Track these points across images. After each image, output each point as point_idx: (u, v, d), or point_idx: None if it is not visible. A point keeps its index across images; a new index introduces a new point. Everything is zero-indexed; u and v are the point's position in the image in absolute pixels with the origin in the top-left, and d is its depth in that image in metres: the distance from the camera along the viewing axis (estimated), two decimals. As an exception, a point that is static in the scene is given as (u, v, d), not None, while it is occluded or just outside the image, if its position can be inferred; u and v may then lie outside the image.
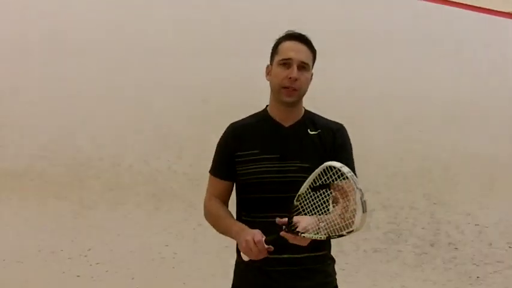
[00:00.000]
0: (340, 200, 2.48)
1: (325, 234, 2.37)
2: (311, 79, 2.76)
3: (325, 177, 2.37)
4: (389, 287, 4.82)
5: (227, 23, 5.09)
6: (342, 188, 2.44)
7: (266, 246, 2.47)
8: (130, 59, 5.25)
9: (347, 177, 2.30)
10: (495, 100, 4.75)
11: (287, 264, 2.59)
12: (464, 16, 4.81)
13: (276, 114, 2.75)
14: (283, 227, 2.43)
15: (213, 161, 2.83)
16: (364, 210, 2.27)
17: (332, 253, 4.63)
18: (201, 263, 5.02)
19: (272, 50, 2.75)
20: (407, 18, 4.89)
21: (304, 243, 2.45)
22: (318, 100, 4.72)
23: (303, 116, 2.78)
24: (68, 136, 5.32)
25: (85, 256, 5.29)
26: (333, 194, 2.43)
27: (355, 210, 2.32)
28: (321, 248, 2.68)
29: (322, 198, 2.41)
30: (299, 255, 2.59)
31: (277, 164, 2.67)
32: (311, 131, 2.75)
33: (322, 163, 2.59)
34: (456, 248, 4.77)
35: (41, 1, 5.51)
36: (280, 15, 4.88)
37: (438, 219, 4.76)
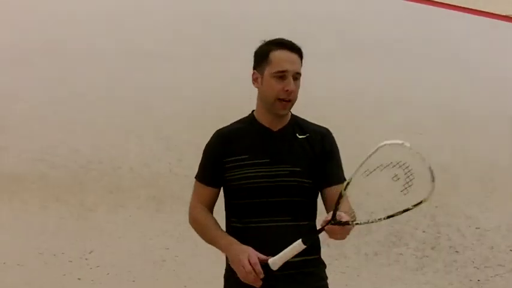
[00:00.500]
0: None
1: (384, 215, 2.42)
2: None
3: (378, 158, 2.43)
4: (390, 290, 4.83)
5: (228, 27, 5.09)
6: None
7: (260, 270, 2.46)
8: (131, 62, 5.25)
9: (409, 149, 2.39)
10: (496, 103, 4.75)
11: (282, 269, 2.56)
12: (465, 19, 4.82)
13: (264, 119, 2.74)
14: (331, 221, 2.44)
15: (199, 167, 2.81)
16: (433, 179, 2.33)
17: (333, 256, 4.64)
18: (202, 266, 5.02)
19: (260, 56, 2.70)
20: (406, 21, 4.90)
21: (346, 235, 2.49)
22: (317, 103, 4.75)
23: (290, 120, 2.77)
24: (68, 139, 5.32)
25: (86, 259, 5.29)
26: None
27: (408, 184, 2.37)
28: (312, 252, 2.68)
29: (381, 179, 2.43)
30: (292, 260, 2.59)
31: (267, 168, 2.66)
32: (299, 135, 2.76)
33: (313, 167, 2.68)
34: (457, 252, 4.77)
35: (41, 5, 5.51)
36: (280, 20, 4.89)
37: (439, 223, 4.76)
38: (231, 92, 4.98)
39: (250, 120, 2.77)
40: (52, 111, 5.36)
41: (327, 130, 2.85)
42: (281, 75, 2.62)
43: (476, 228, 4.74)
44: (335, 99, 4.90)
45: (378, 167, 2.49)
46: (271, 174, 2.66)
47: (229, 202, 2.75)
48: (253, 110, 2.81)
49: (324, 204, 2.82)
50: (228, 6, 5.20)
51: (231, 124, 2.82)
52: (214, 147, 2.74)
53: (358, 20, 4.96)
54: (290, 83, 2.62)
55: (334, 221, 2.46)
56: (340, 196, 2.51)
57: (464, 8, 4.79)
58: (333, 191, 2.76)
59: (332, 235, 2.50)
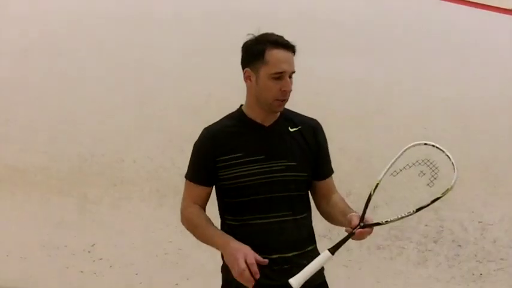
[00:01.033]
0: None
1: (413, 209, 2.50)
2: None
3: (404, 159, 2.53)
4: (393, 283, 4.82)
5: (230, 20, 5.07)
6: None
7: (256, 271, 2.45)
8: (134, 54, 5.25)
9: (433, 146, 2.54)
10: (500, 98, 4.74)
11: (278, 263, 2.60)
12: (470, 13, 4.80)
13: (255, 115, 2.72)
14: (361, 224, 2.48)
15: (190, 166, 2.79)
16: (455, 170, 2.47)
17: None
18: (205, 259, 5.02)
19: (253, 55, 2.66)
20: (411, 14, 4.88)
21: (369, 234, 2.54)
22: (321, 97, 4.75)
23: (280, 114, 2.76)
24: (71, 132, 5.32)
25: (89, 252, 5.30)
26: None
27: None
28: (307, 245, 2.70)
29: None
30: (288, 254, 2.60)
31: (262, 165, 2.65)
32: (291, 128, 2.76)
33: (307, 160, 2.71)
34: (460, 246, 4.77)
35: (43, -2, 5.51)
36: (284, 12, 4.87)
37: (442, 217, 4.76)
38: (234, 85, 4.96)
39: (240, 117, 2.75)
40: (54, 103, 5.36)
41: (317, 122, 2.85)
42: (279, 76, 2.61)
43: (479, 222, 4.74)
44: (339, 93, 4.89)
45: (404, 167, 2.57)
46: (267, 170, 2.65)
47: (224, 200, 2.74)
48: (241, 105, 2.80)
49: (313, 196, 2.84)
50: (231, 1, 5.18)
51: (219, 121, 2.79)
52: (206, 146, 2.71)
53: (362, 13, 4.94)
54: (287, 84, 2.62)
55: (363, 223, 2.49)
56: (370, 198, 2.55)
57: (471, 2, 4.78)
58: (326, 184, 2.82)
59: (360, 237, 2.54)
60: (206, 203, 2.77)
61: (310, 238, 2.76)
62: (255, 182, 2.64)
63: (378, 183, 2.57)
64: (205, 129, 2.78)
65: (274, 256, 2.62)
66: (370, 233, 2.54)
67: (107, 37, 5.29)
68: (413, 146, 2.57)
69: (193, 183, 2.76)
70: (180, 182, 5.05)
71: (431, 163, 2.55)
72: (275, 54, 2.60)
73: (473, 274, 4.74)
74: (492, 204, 4.72)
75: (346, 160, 4.63)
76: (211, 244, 2.65)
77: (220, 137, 2.70)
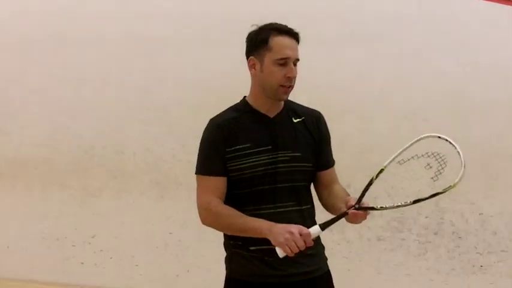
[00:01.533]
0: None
1: (410, 200, 2.48)
2: None
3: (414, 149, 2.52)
4: (393, 275, 4.83)
5: (231, 12, 5.06)
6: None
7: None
8: (134, 48, 5.24)
9: (446, 140, 2.54)
10: (501, 90, 4.72)
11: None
12: (469, 5, 4.78)
13: (260, 106, 2.72)
14: (355, 206, 2.50)
15: (202, 160, 2.73)
16: (462, 167, 2.44)
17: (335, 241, 4.66)
18: (205, 251, 5.03)
19: (257, 42, 2.65)
20: (411, 6, 4.86)
21: (363, 219, 2.54)
22: (321, 90, 4.74)
23: (284, 105, 2.76)
24: (71, 124, 5.32)
25: (89, 243, 5.31)
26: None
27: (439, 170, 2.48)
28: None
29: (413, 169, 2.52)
30: None
31: (269, 155, 2.65)
32: (295, 119, 2.76)
33: (311, 150, 2.72)
34: (460, 237, 4.77)
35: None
36: (284, 4, 4.85)
37: (442, 208, 4.76)
38: (233, 78, 4.96)
39: (245, 108, 2.74)
40: (55, 96, 5.35)
41: (320, 113, 2.85)
42: (283, 62, 2.61)
43: (479, 214, 4.74)
44: (339, 85, 4.88)
45: (412, 157, 2.56)
46: (273, 161, 2.66)
47: (229, 192, 2.71)
48: (244, 96, 2.79)
49: (315, 187, 2.84)
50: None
51: (223, 113, 2.77)
52: (215, 137, 2.69)
53: (362, 6, 4.92)
54: (292, 70, 2.62)
55: (358, 205, 2.51)
56: (371, 182, 2.56)
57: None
58: (329, 174, 2.83)
59: (353, 219, 2.54)
60: (225, 195, 2.70)
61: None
62: (262, 172, 2.64)
63: (382, 169, 2.57)
64: (212, 120, 2.75)
65: None
66: (364, 217, 2.54)
67: (108, 30, 5.28)
68: (427, 137, 2.55)
69: (210, 176, 2.68)
70: (180, 175, 5.09)
71: (440, 157, 2.53)
72: (279, 41, 2.62)
73: (474, 266, 4.74)
74: (493, 196, 4.72)
75: (346, 152, 4.62)
76: (250, 230, 2.58)
77: (227, 128, 2.68)
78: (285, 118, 2.74)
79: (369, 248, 4.87)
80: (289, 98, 2.77)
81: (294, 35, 2.65)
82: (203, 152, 2.73)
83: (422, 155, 2.54)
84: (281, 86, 2.63)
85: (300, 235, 2.45)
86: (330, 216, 2.63)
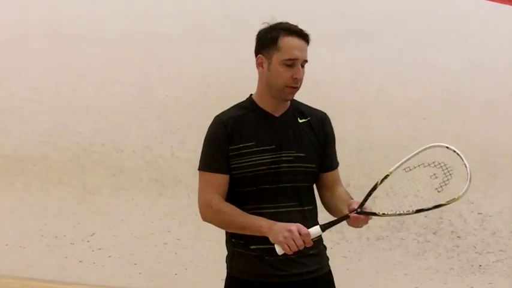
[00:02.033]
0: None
1: (413, 209, 2.50)
2: None
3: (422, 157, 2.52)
4: (392, 274, 4.83)
5: (231, 9, 5.06)
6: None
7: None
8: (133, 45, 5.23)
9: (454, 151, 2.51)
10: (500, 88, 4.72)
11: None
12: (468, 2, 4.78)
13: (266, 104, 2.71)
14: (357, 210, 2.50)
15: (205, 157, 2.72)
16: (470, 180, 2.45)
17: (334, 240, 4.65)
18: (203, 249, 5.03)
19: (267, 41, 2.65)
20: (410, 4, 4.86)
21: (366, 223, 2.54)
22: (321, 88, 4.74)
23: (290, 104, 2.75)
24: (70, 121, 5.32)
25: (88, 241, 5.31)
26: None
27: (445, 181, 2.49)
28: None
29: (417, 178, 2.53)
30: None
31: (273, 154, 2.65)
32: (300, 119, 2.75)
33: (316, 151, 2.71)
34: (459, 237, 4.77)
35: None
36: (284, 2, 4.84)
37: (441, 208, 4.75)
38: (233, 75, 4.96)
39: (250, 106, 2.74)
40: (54, 93, 5.35)
41: (325, 114, 2.85)
42: (291, 63, 2.60)
43: (478, 213, 4.74)
44: (338, 82, 4.88)
45: (419, 165, 2.56)
46: (276, 161, 2.65)
47: (232, 190, 2.71)
48: (251, 94, 2.78)
49: (318, 188, 2.84)
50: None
51: (229, 110, 2.76)
52: (218, 135, 2.68)
53: (361, 3, 4.92)
54: (299, 71, 2.61)
55: (360, 209, 2.50)
56: (375, 187, 2.55)
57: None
58: (332, 176, 2.82)
59: (354, 223, 2.54)
60: (226, 193, 2.70)
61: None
62: (265, 171, 2.64)
63: (387, 175, 2.56)
64: (217, 117, 2.74)
65: None
66: (365, 222, 2.54)
67: (107, 27, 5.27)
68: (434, 146, 2.54)
69: (213, 173, 2.68)
70: (179, 173, 5.09)
71: (446, 168, 2.51)
72: (288, 41, 2.61)
73: (473, 265, 4.74)
74: (492, 196, 4.72)
75: (346, 151, 4.62)
76: (250, 228, 2.58)
77: (232, 125, 2.68)
78: (290, 118, 2.73)
79: (368, 248, 4.87)
80: (300, 98, 2.78)
81: (304, 36, 2.64)
82: (206, 149, 2.73)
83: (429, 164, 2.54)
84: (287, 86, 2.63)
85: (300, 234, 2.44)
86: (330, 216, 2.63)
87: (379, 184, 2.57)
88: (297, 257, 2.62)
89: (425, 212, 4.77)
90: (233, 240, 2.71)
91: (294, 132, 2.71)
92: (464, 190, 2.45)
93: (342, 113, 4.72)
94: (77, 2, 5.34)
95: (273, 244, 2.49)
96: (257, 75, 2.73)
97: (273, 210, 2.63)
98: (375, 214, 2.51)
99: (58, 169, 5.33)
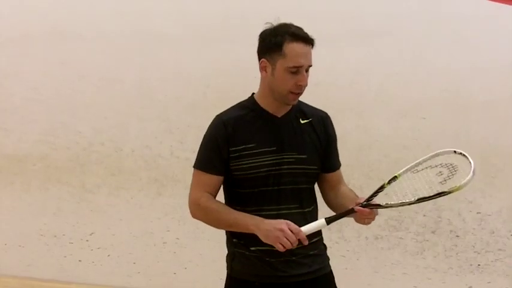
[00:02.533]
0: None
1: (415, 198, 2.50)
2: None
3: (430, 161, 2.57)
4: (390, 274, 4.83)
5: (230, 9, 5.05)
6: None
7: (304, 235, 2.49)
8: (133, 44, 5.23)
9: (461, 154, 2.56)
10: (499, 88, 4.72)
11: (286, 254, 2.57)
12: (470, 3, 4.78)
13: (268, 105, 2.69)
14: (363, 203, 2.53)
15: (201, 155, 2.72)
16: (473, 173, 2.49)
17: (333, 239, 4.65)
18: (202, 249, 5.03)
19: (271, 45, 2.61)
20: (410, 4, 4.86)
21: (372, 220, 2.56)
22: (320, 87, 4.73)
23: (293, 105, 2.73)
24: (70, 121, 5.31)
25: (87, 241, 5.31)
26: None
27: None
28: (314, 236, 2.67)
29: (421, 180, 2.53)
30: (295, 246, 2.58)
31: (274, 156, 2.64)
32: (302, 120, 2.74)
33: (317, 153, 2.71)
34: (458, 236, 4.77)
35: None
36: (284, 2, 4.84)
37: (440, 207, 4.76)
38: (232, 75, 4.96)
39: (252, 106, 2.71)
40: (53, 92, 5.34)
41: (327, 114, 2.84)
42: (295, 71, 2.57)
43: (477, 212, 4.74)
44: (338, 83, 4.88)
45: (426, 167, 2.58)
46: (277, 162, 2.64)
47: (233, 190, 2.71)
48: (252, 93, 2.77)
49: (321, 188, 2.84)
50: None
51: (231, 110, 2.75)
52: (218, 135, 2.66)
53: (361, 3, 4.92)
54: (304, 78, 2.59)
55: (366, 201, 2.53)
56: (382, 188, 2.57)
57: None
58: (335, 176, 2.82)
59: (360, 218, 2.55)
60: (217, 193, 2.71)
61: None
62: (265, 173, 2.63)
63: (395, 176, 2.58)
64: (218, 117, 2.72)
65: None
66: (372, 217, 2.55)
67: (107, 27, 5.27)
68: (443, 153, 2.59)
69: (205, 173, 2.68)
70: (178, 172, 5.09)
71: (453, 167, 2.54)
72: (293, 48, 2.57)
73: (471, 265, 4.74)
74: (490, 195, 4.72)
75: (345, 151, 4.61)
76: (238, 225, 2.60)
77: (233, 126, 2.65)
78: (292, 119, 2.72)
79: (367, 247, 4.87)
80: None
81: (309, 41, 2.60)
82: (204, 148, 2.72)
83: (436, 166, 2.57)
84: (291, 92, 2.61)
85: (291, 231, 2.46)
86: (327, 215, 2.63)
87: (386, 185, 2.58)
88: (298, 258, 2.63)
89: (424, 211, 4.81)
90: (234, 240, 2.71)
91: (296, 134, 2.69)
92: (467, 179, 2.46)
93: (342, 113, 4.71)
94: (76, 2, 5.33)
95: (272, 247, 2.50)
96: (257, 76, 2.72)
97: (274, 212, 2.62)
98: (379, 206, 2.52)
99: (57, 168, 5.33)
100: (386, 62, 4.84)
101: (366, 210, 2.52)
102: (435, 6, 4.80)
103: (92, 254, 5.29)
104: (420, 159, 2.59)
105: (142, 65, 5.22)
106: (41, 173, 5.35)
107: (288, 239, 2.45)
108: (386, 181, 2.59)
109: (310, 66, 2.62)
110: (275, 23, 2.65)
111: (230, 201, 2.73)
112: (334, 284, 2.82)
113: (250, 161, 2.63)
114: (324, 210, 2.83)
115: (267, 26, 2.66)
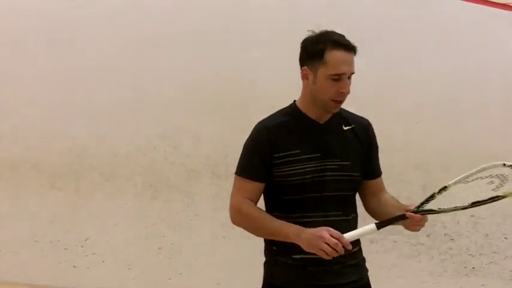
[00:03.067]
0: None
1: (468, 202, 2.48)
2: None
3: (480, 173, 2.57)
4: (386, 277, 4.84)
5: (226, 13, 5.06)
6: None
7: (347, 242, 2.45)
8: (127, 49, 5.23)
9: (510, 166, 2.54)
10: (494, 91, 4.74)
11: (328, 264, 2.54)
12: (463, 7, 4.80)
13: (311, 112, 2.65)
14: (414, 209, 2.51)
15: (243, 162, 2.69)
16: None
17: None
18: (197, 254, 5.03)
19: (312, 53, 2.58)
20: (404, 7, 4.87)
21: (421, 227, 2.56)
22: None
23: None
24: (64, 126, 5.31)
25: (81, 246, 5.30)
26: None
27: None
28: (355, 245, 2.64)
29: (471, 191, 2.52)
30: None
31: (318, 162, 2.60)
32: (345, 126, 2.71)
33: (360, 159, 2.69)
34: (452, 239, 4.79)
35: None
36: (280, 6, 4.84)
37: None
38: (227, 80, 4.97)
39: (294, 113, 2.68)
40: (48, 97, 5.34)
41: (369, 121, 2.82)
42: (337, 78, 2.55)
43: (471, 216, 4.76)
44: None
45: (476, 178, 2.58)
46: (321, 169, 2.61)
47: (275, 197, 2.68)
48: (294, 100, 2.73)
49: (362, 196, 2.80)
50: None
51: (272, 116, 2.71)
52: (262, 142, 2.63)
53: (355, 8, 4.93)
54: (346, 85, 2.56)
55: (417, 208, 2.50)
56: (433, 197, 2.55)
57: (471, -3, 4.78)
58: (377, 182, 2.79)
59: (411, 224, 2.53)
60: (258, 200, 2.68)
61: (357, 240, 2.68)
62: (309, 180, 2.59)
63: (446, 186, 2.55)
64: (261, 123, 2.69)
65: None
66: (422, 224, 2.53)
67: (101, 30, 5.27)
68: (492, 166, 2.60)
69: (248, 180, 2.65)
70: (173, 177, 5.09)
71: (504, 177, 2.52)
72: (335, 55, 2.54)
73: (466, 267, 4.76)
74: (485, 198, 4.74)
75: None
76: (279, 234, 2.56)
77: (276, 132, 2.62)
78: (335, 125, 2.68)
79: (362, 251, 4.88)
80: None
81: (351, 49, 2.57)
82: (246, 154, 2.69)
83: (486, 177, 2.57)
84: (332, 100, 2.58)
85: (332, 236, 2.42)
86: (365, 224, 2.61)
87: (437, 195, 2.55)
88: (338, 268, 2.61)
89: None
90: (274, 248, 2.67)
91: (339, 140, 2.66)
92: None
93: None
94: (70, 5, 5.33)
95: (315, 254, 2.46)
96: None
97: (319, 219, 2.57)
98: (432, 211, 2.50)
99: (52, 174, 5.32)
100: (379, 67, 4.85)
101: (417, 216, 2.49)
102: (428, 12, 4.82)
103: (87, 260, 5.28)
104: (469, 172, 2.58)
105: (137, 70, 5.22)
106: (36, 178, 5.34)
107: (330, 245, 2.42)
108: (437, 191, 2.55)
109: (353, 73, 2.59)
110: (317, 31, 2.64)
111: (271, 207, 2.70)
112: None
113: (295, 168, 2.60)
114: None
115: (309, 34, 2.65)
